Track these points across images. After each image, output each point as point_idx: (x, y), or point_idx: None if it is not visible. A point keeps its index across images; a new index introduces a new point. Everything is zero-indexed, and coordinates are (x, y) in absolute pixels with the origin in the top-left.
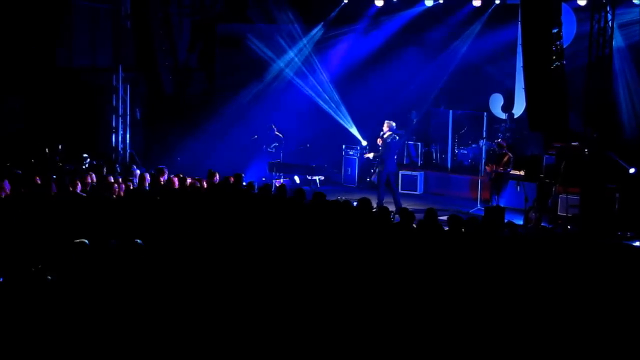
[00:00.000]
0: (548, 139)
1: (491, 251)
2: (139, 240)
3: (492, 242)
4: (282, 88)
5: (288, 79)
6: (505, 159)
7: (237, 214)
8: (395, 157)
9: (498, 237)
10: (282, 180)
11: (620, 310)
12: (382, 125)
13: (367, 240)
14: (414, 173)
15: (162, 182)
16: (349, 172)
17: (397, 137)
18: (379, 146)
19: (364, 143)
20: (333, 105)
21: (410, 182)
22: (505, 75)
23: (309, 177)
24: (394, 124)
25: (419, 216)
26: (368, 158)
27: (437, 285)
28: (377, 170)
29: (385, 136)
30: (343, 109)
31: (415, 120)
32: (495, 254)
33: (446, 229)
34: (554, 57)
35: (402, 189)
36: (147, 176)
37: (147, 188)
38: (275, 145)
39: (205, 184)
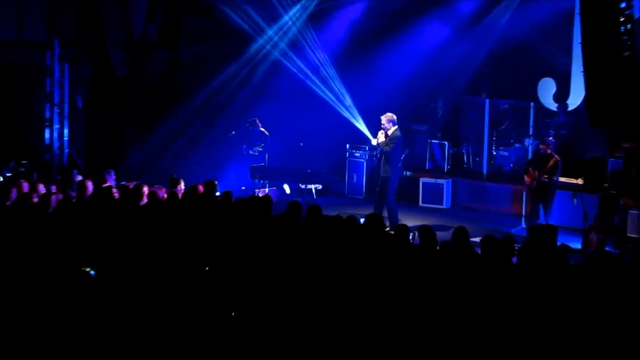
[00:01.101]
0: (614, 137)
1: (538, 285)
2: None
3: (539, 272)
4: (268, 70)
5: (275, 58)
6: (551, 163)
7: (208, 235)
8: (402, 157)
9: (548, 265)
10: (267, 190)
11: None
12: (386, 121)
13: (380, 269)
14: (439, 181)
15: (109, 191)
16: (355, 179)
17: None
18: (379, 145)
19: (375, 142)
20: (334, 93)
21: (433, 193)
22: (558, 55)
23: (303, 186)
24: (394, 117)
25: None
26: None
27: (472, 330)
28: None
29: (391, 132)
30: (347, 97)
31: (441, 112)
32: (543, 287)
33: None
34: (623, 34)
35: (423, 202)
36: (90, 184)
37: (89, 199)
38: (259, 145)
39: (166, 195)
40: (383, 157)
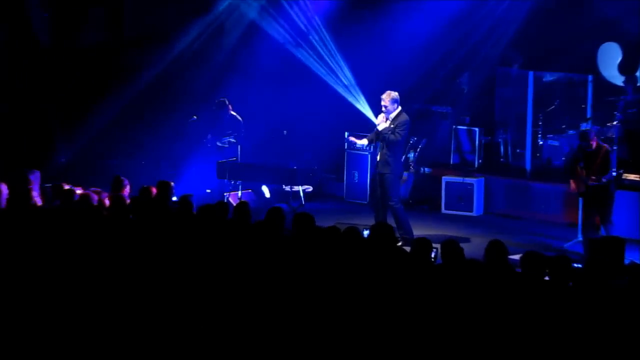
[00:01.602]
0: None
1: (600, 318)
2: None
3: (602, 301)
4: (240, 37)
5: (249, 19)
6: (600, 158)
7: (162, 253)
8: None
9: (613, 291)
10: (240, 194)
11: None
12: (387, 101)
13: (392, 298)
14: (468, 180)
15: (28, 196)
16: (356, 178)
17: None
18: (379, 132)
19: (382, 126)
20: (328, 67)
21: (460, 197)
22: (625, 12)
23: (288, 188)
24: (397, 96)
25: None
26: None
27: None
28: (377, 173)
29: (394, 116)
30: (346, 72)
31: (466, 89)
32: (608, 322)
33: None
34: None
35: (446, 208)
36: (4, 189)
37: (4, 206)
38: (229, 134)
39: (108, 200)
40: (384, 148)
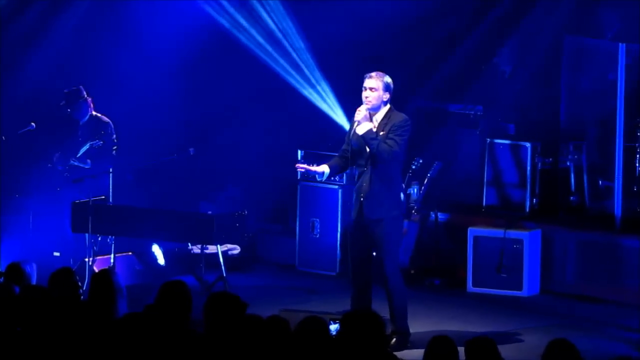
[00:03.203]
0: None
1: None
2: None
3: None
4: None
5: None
6: None
7: None
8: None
9: None
10: (112, 259)
11: None
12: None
13: None
14: (514, 235)
15: None
16: (317, 229)
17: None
18: (353, 140)
19: (370, 126)
20: (273, 45)
21: (501, 262)
22: None
23: (197, 249)
24: (390, 82)
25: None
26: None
27: None
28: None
29: (383, 114)
30: (301, 53)
31: (509, 74)
32: None
33: None
34: None
35: (475, 285)
36: None
37: None
38: (92, 146)
39: None
40: (370, 171)
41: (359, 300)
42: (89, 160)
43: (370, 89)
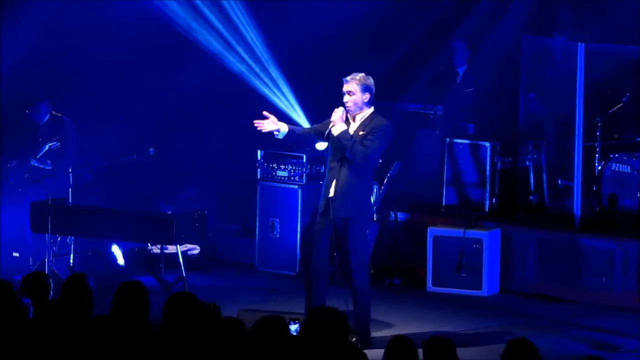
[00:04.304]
0: None
1: None
2: None
3: None
4: None
5: None
6: None
7: None
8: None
9: None
10: (72, 260)
11: None
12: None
13: None
14: (473, 234)
15: None
16: (277, 229)
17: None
18: (334, 139)
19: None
20: (229, 39)
21: (460, 262)
22: None
23: (156, 249)
24: (371, 83)
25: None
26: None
27: None
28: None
29: (364, 116)
30: (258, 49)
31: (461, 73)
32: None
33: None
34: None
35: (434, 284)
36: None
37: None
38: (51, 141)
39: None
40: (344, 169)
41: (315, 297)
42: (49, 161)
43: (348, 92)
